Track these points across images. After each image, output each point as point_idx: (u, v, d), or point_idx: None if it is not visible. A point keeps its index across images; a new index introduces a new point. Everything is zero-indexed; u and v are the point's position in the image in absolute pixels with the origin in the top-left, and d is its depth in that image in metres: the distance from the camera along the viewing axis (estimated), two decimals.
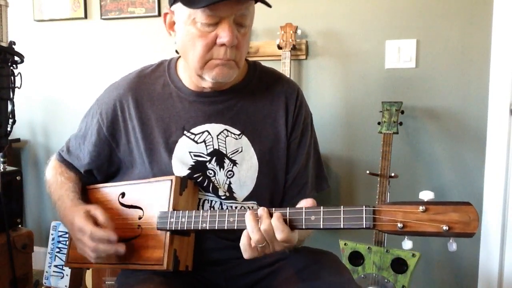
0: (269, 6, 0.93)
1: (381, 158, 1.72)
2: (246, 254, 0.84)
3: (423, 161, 1.91)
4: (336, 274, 0.98)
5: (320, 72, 2.00)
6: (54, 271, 2.18)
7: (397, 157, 1.85)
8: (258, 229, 0.81)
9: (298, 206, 0.84)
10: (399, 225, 0.71)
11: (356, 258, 1.72)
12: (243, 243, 0.83)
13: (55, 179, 1.11)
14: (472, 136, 1.83)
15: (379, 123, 1.78)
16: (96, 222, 0.96)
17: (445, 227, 0.67)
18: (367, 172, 1.78)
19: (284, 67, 1.87)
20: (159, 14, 2.19)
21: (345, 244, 1.75)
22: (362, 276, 1.70)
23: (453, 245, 0.70)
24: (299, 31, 1.91)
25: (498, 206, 1.80)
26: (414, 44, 1.86)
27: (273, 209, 0.83)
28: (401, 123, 1.77)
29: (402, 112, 1.77)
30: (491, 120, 1.78)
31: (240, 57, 0.97)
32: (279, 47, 1.90)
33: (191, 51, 0.96)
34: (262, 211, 0.82)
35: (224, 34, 0.91)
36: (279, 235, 0.80)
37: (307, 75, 2.02)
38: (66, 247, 1.32)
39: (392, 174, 1.71)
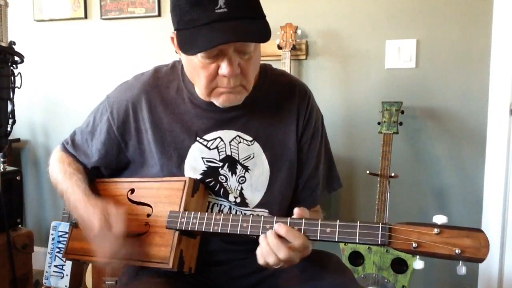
0: (264, 41, 0.88)
1: (381, 158, 1.72)
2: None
3: (423, 161, 1.91)
4: (338, 275, 0.98)
5: (320, 72, 2.00)
6: (54, 271, 2.18)
7: (397, 157, 1.85)
8: (274, 254, 0.82)
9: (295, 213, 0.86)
10: (414, 244, 0.73)
11: (356, 258, 1.72)
12: (260, 262, 0.85)
13: (63, 170, 1.09)
14: (472, 136, 1.83)
15: (379, 123, 1.78)
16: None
17: (457, 251, 0.70)
18: (367, 172, 1.78)
19: (284, 67, 1.87)
20: (159, 14, 2.19)
21: (345, 244, 1.75)
22: (362, 276, 1.70)
23: (462, 269, 0.73)
24: (299, 31, 1.91)
25: (498, 206, 1.80)
26: (414, 44, 1.86)
27: (288, 218, 0.84)
28: (401, 123, 1.77)
29: (402, 112, 1.77)
30: (491, 120, 1.78)
31: (247, 81, 0.95)
32: (279, 47, 1.90)
33: (196, 79, 0.96)
34: (274, 236, 0.83)
35: (224, 66, 0.89)
36: (296, 242, 0.81)
37: (307, 75, 2.02)
38: None
39: (392, 174, 1.71)
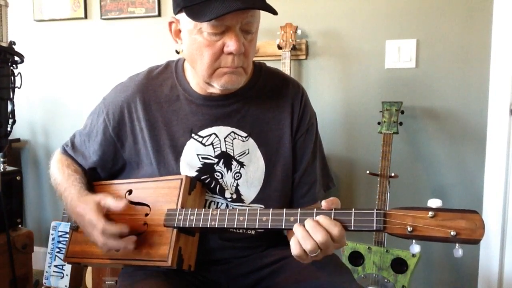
0: (275, 14, 0.92)
1: (381, 158, 1.72)
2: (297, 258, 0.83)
3: (423, 161, 1.91)
4: (336, 274, 0.98)
5: (320, 72, 2.00)
6: (54, 271, 2.18)
7: (397, 157, 1.85)
8: (311, 238, 0.79)
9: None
10: (409, 228, 0.73)
11: (356, 258, 1.72)
12: (295, 253, 0.81)
13: (61, 171, 1.11)
14: (472, 136, 1.83)
15: (379, 123, 1.78)
16: (107, 214, 0.95)
17: (452, 233, 0.70)
18: (367, 172, 1.78)
19: (284, 67, 1.87)
20: (159, 14, 2.19)
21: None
22: (362, 276, 1.70)
23: (459, 251, 0.72)
24: (299, 31, 1.91)
25: (498, 206, 1.80)
26: (414, 44, 1.86)
27: (284, 210, 0.84)
28: (401, 123, 1.77)
29: (402, 112, 1.77)
30: (491, 120, 1.78)
31: (248, 64, 0.98)
32: (279, 47, 1.90)
33: (198, 60, 0.96)
34: (310, 220, 0.80)
35: (231, 43, 0.91)
36: (334, 232, 0.78)
37: (307, 75, 2.02)
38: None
39: (392, 174, 1.71)
